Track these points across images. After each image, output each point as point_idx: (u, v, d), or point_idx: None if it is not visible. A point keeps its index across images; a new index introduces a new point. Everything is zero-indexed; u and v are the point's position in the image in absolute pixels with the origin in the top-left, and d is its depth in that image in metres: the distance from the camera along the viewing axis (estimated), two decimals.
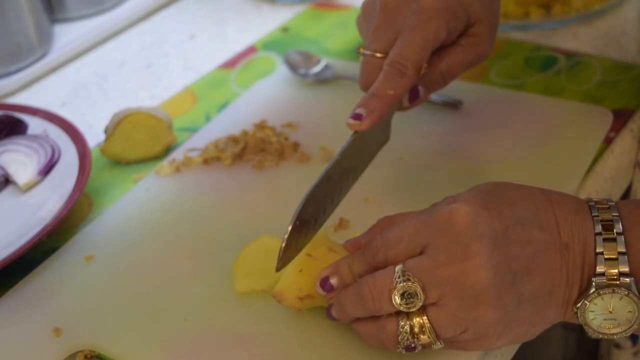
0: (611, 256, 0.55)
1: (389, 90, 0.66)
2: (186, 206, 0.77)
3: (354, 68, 0.86)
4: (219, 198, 0.78)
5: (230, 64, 0.99)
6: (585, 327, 0.57)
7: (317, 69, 0.93)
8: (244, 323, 0.65)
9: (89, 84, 1.00)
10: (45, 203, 0.76)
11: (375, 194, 0.75)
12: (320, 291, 0.60)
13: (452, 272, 0.54)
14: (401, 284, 0.55)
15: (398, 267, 0.55)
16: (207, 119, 0.89)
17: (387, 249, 0.57)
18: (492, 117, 0.84)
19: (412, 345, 0.56)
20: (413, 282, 0.54)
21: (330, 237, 0.65)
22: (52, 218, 0.72)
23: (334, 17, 1.06)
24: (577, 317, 0.57)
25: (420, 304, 0.55)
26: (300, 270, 0.61)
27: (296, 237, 0.60)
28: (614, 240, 0.55)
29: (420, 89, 0.70)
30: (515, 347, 0.67)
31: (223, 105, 0.91)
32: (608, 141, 0.80)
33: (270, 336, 0.63)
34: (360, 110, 0.66)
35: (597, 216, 0.56)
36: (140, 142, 0.83)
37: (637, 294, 0.55)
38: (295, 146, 0.83)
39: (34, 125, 0.85)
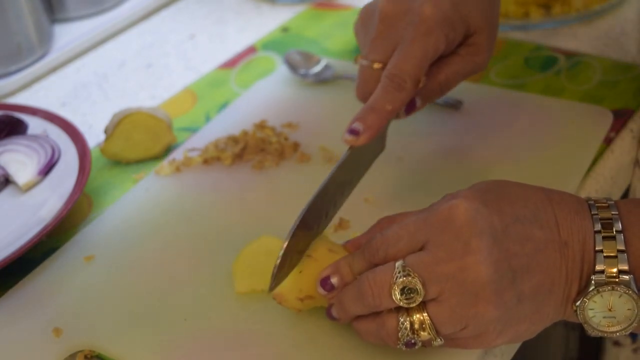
0: (610, 254, 0.55)
1: (387, 105, 0.66)
2: (186, 206, 0.77)
3: (353, 68, 0.85)
4: (219, 198, 0.78)
5: (230, 64, 0.99)
6: (585, 325, 0.57)
7: (317, 69, 0.93)
8: (244, 323, 0.65)
9: (89, 84, 1.00)
10: (45, 203, 0.76)
11: (375, 194, 0.75)
12: (321, 291, 0.60)
13: (452, 268, 0.54)
14: (401, 279, 0.55)
15: (398, 263, 0.56)
16: (207, 119, 0.89)
17: (387, 246, 0.57)
18: (492, 117, 0.84)
19: (412, 341, 0.56)
20: (413, 277, 0.55)
21: (330, 237, 0.65)
22: (52, 218, 0.72)
23: (334, 17, 1.06)
24: (577, 315, 0.57)
25: (420, 299, 0.55)
26: (301, 272, 0.61)
27: (290, 255, 0.60)
28: (614, 238, 0.55)
29: (417, 99, 0.70)
30: (515, 346, 0.67)
31: (223, 105, 0.91)
32: (608, 141, 0.80)
33: (270, 336, 0.63)
34: (357, 125, 0.65)
35: (597, 214, 0.57)
36: (140, 142, 0.83)
37: (636, 291, 0.55)
38: (295, 146, 0.82)
39: (34, 125, 0.85)
